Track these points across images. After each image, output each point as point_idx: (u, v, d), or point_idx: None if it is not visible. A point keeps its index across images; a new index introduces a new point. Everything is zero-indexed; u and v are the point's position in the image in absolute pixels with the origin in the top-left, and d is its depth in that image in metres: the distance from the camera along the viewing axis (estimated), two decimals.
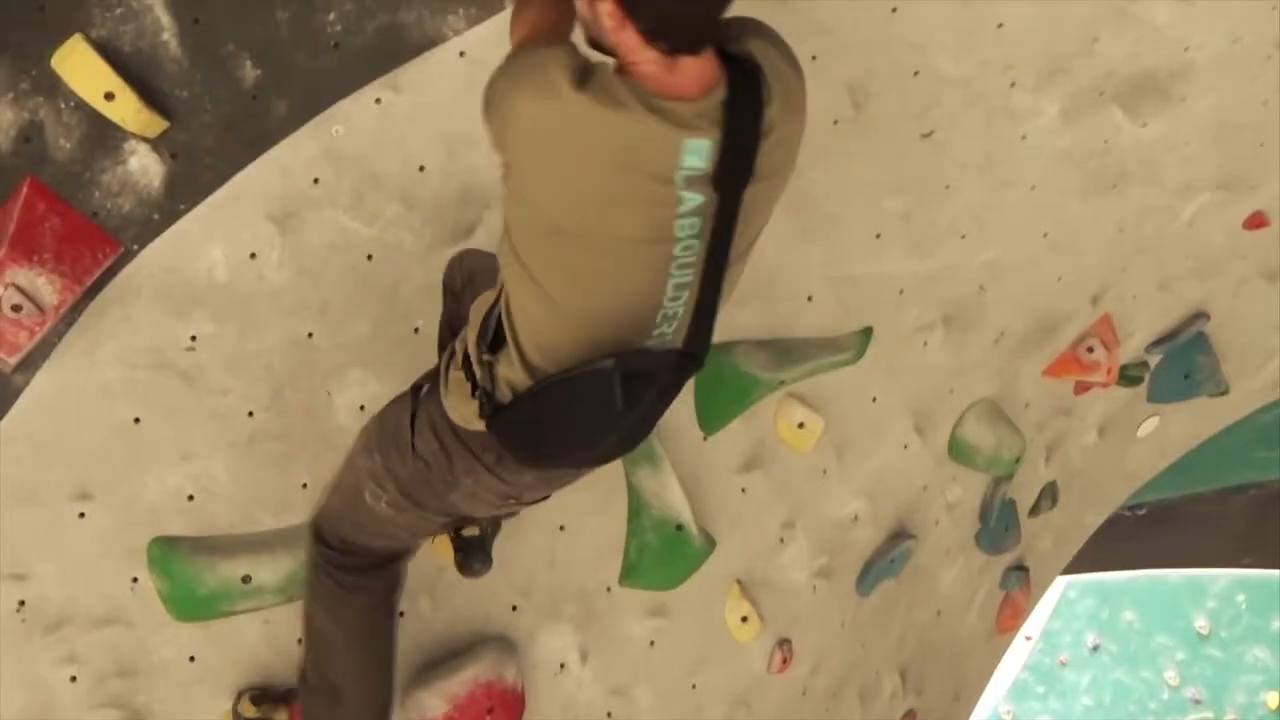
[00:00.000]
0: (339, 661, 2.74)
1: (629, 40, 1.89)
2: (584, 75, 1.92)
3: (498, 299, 2.21)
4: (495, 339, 2.22)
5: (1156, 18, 3.67)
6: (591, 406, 2.15)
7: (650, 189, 1.95)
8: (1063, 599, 10.80)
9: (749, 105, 1.95)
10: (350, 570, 2.65)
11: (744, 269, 2.23)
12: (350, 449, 2.63)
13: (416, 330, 3.10)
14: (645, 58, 1.90)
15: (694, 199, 1.97)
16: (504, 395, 2.21)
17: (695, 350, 2.17)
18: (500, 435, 2.25)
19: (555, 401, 2.16)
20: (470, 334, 2.30)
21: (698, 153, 1.93)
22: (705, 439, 3.63)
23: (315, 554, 2.68)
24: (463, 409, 2.30)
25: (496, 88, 2.00)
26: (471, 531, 3.14)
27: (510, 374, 2.19)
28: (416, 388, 2.49)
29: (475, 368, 2.26)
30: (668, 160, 1.93)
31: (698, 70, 1.91)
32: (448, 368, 2.36)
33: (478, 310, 2.31)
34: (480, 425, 2.27)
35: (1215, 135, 4.11)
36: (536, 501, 2.61)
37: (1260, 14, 3.79)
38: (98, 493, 2.87)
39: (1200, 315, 5.02)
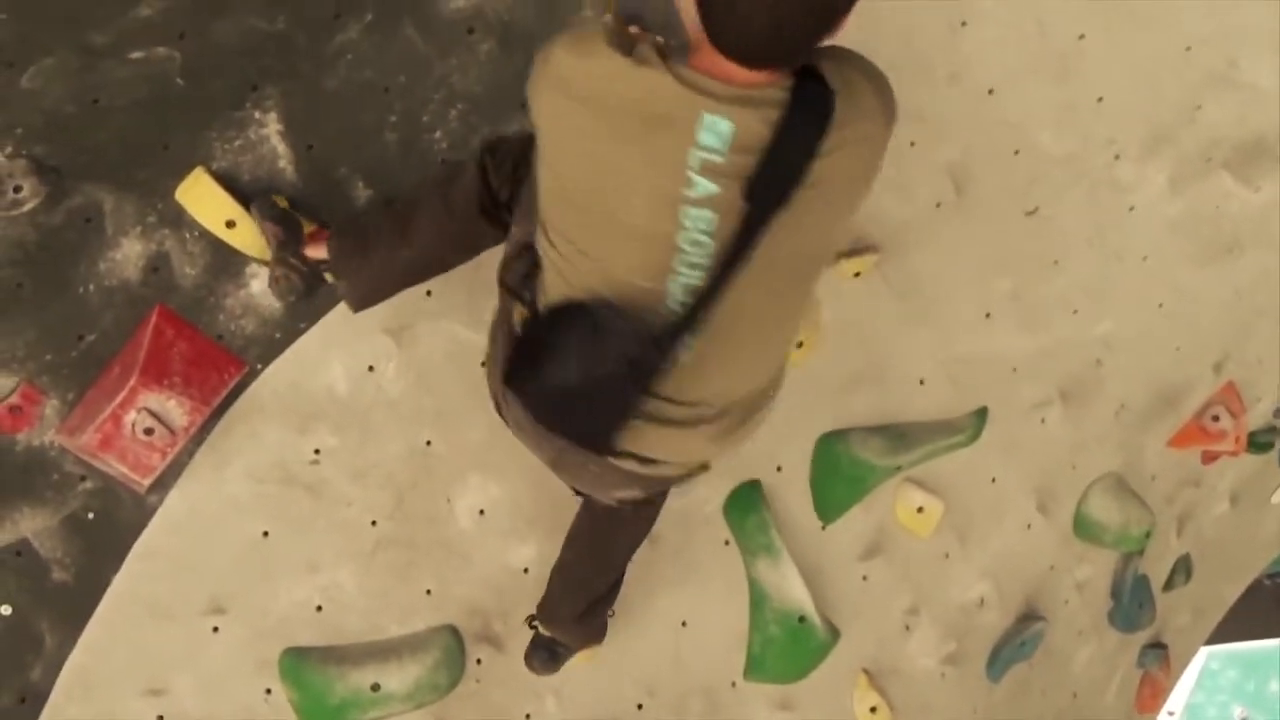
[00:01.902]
0: (422, 218, 2.56)
1: (700, 39, 1.83)
2: (623, 42, 1.88)
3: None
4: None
5: (1260, 81, 3.54)
6: (564, 339, 2.04)
7: (660, 161, 1.86)
8: (1205, 670, 10.30)
9: (808, 111, 1.86)
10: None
11: (796, 297, 2.14)
12: None
13: None
14: (708, 49, 1.83)
15: (705, 186, 1.86)
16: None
17: (664, 338, 2.01)
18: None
19: (542, 327, 2.10)
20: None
21: (716, 131, 1.83)
22: (824, 528, 3.53)
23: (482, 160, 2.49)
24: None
25: (542, 50, 1.97)
26: (549, 631, 3.06)
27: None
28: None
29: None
30: (683, 130, 1.83)
31: (755, 72, 1.84)
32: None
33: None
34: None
35: None
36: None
37: None
38: (230, 606, 2.89)
39: None
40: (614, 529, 2.88)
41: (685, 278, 1.97)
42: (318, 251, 2.66)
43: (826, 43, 1.85)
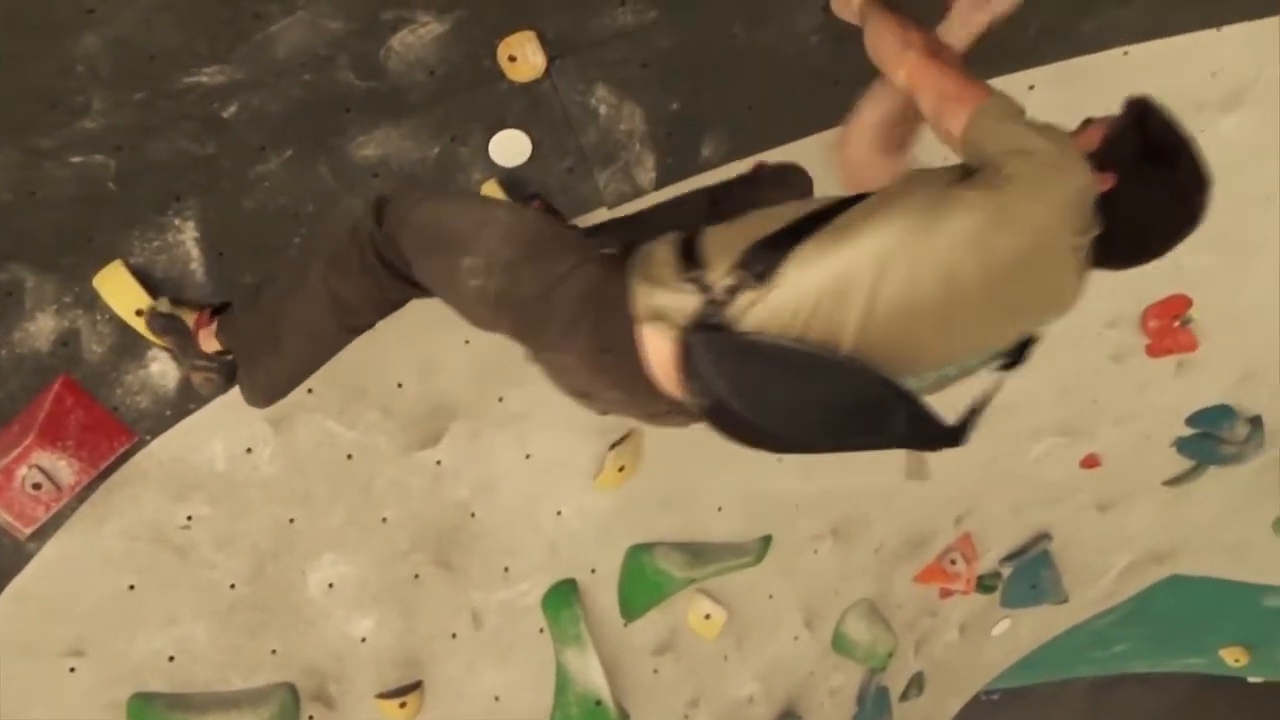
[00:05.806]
0: (298, 320, 2.17)
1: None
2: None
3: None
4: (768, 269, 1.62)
5: None
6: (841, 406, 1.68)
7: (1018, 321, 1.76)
8: None
9: None
10: (379, 270, 2.01)
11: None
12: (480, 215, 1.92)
13: (385, 520, 3.01)
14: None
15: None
16: (733, 320, 1.62)
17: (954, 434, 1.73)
18: (699, 349, 1.62)
19: (802, 370, 1.61)
20: (735, 243, 1.67)
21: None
22: (625, 625, 3.52)
23: (369, 231, 2.01)
24: (659, 297, 1.67)
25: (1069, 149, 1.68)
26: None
27: (760, 310, 1.62)
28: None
29: (714, 275, 1.64)
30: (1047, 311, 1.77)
31: None
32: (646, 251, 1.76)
33: (758, 226, 1.70)
34: (670, 328, 1.64)
35: (1058, 392, 4.18)
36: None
37: (1091, 299, 3.89)
38: (89, 650, 2.72)
39: (1045, 536, 5.02)
40: None
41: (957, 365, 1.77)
42: (210, 343, 2.50)
43: None
